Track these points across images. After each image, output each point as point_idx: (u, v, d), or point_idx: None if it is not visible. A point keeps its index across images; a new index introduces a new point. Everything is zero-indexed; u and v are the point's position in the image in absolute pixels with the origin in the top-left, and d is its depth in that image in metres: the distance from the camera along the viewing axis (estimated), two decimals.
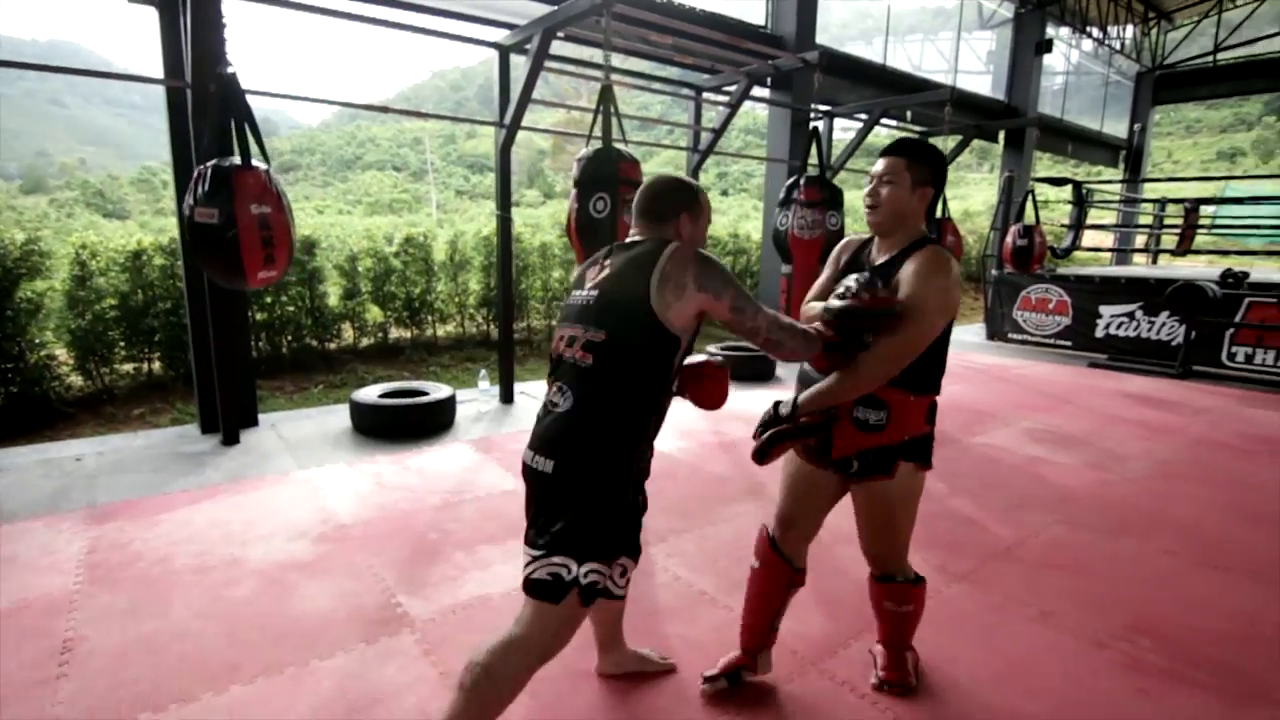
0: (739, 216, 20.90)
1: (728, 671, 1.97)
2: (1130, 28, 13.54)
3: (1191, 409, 5.51)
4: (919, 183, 1.67)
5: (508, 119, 4.71)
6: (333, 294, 6.89)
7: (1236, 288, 7.07)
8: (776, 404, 1.74)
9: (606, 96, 3.89)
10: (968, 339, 9.42)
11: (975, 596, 2.57)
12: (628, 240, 1.64)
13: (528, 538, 1.53)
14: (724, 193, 36.12)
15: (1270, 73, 12.60)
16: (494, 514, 3.23)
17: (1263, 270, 8.93)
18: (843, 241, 1.92)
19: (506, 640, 1.44)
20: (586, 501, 1.47)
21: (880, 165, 1.70)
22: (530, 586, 1.47)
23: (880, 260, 1.73)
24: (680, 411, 5.17)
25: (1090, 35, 12.62)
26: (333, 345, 6.92)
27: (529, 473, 1.54)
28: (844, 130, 8.37)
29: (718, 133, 5.71)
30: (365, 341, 7.19)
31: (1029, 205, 7.43)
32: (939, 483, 3.76)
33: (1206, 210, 11.55)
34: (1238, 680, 2.08)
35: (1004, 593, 2.60)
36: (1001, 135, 10.55)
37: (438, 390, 4.74)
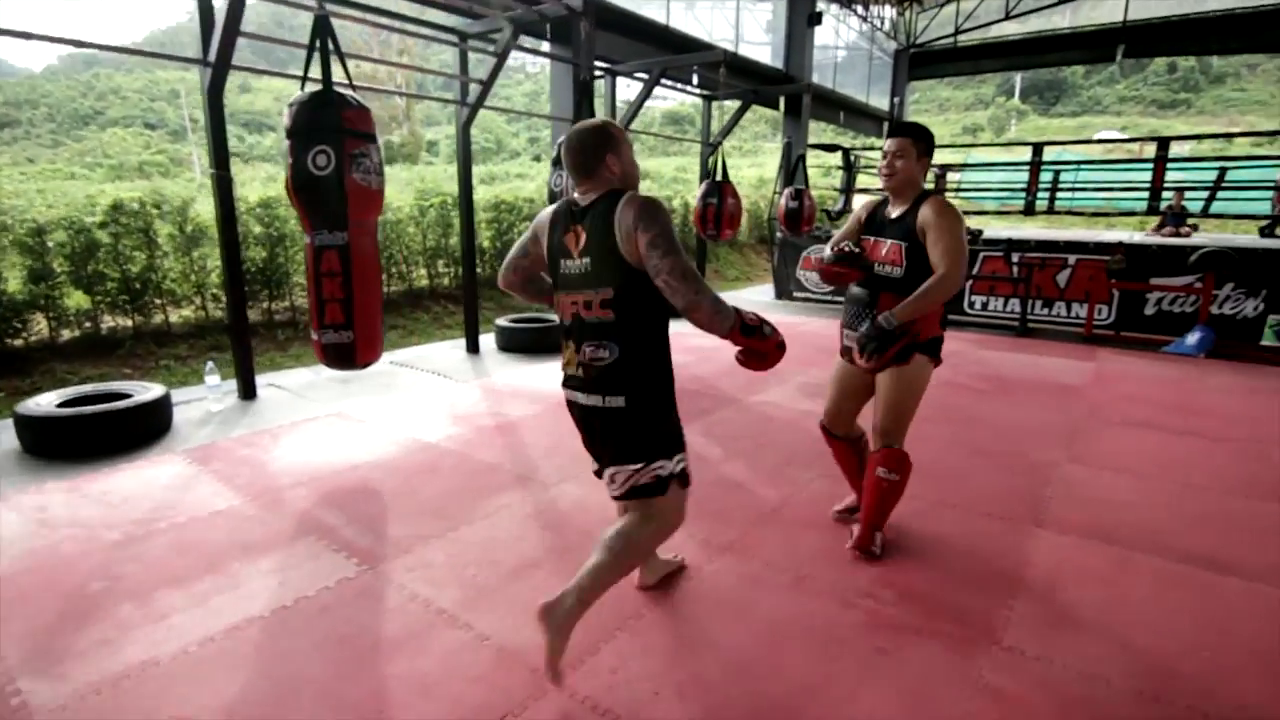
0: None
1: (853, 507, 2.82)
2: (888, 8, 14.85)
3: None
4: (921, 154, 2.37)
5: (211, 56, 3.87)
6: (12, 278, 5.46)
7: (973, 243, 7.99)
8: (878, 319, 2.31)
9: (322, 29, 3.26)
10: (758, 298, 9.88)
11: (735, 568, 2.48)
12: (583, 201, 1.80)
13: (606, 462, 1.92)
14: (536, 158, 35.17)
15: (1000, 54, 14.52)
16: (191, 546, 2.60)
17: (995, 228, 10.28)
18: (864, 200, 2.59)
19: (638, 523, 1.89)
20: (659, 417, 1.87)
21: (892, 144, 2.37)
22: (638, 491, 1.87)
23: (896, 214, 2.40)
24: (457, 394, 4.83)
25: (855, 12, 13.64)
26: (19, 342, 5.51)
27: (594, 412, 1.85)
28: (629, 89, 8.21)
29: (486, 84, 5.20)
30: (67, 334, 5.82)
31: (799, 170, 7.80)
32: (715, 447, 3.72)
33: (953, 176, 13.20)
34: (970, 626, 2.14)
35: (764, 560, 2.54)
36: (782, 104, 11.04)
37: (144, 391, 3.86)
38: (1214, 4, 12.37)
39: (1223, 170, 10.81)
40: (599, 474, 1.99)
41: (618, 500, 1.94)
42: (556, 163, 4.63)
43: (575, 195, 1.84)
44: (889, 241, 2.40)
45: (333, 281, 3.42)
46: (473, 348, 5.93)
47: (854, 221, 2.57)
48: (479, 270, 8.58)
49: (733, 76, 8.05)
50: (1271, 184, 10.15)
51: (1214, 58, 43.40)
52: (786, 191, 7.89)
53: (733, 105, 8.05)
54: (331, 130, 3.18)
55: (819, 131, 14.26)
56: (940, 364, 2.46)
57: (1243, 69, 44.15)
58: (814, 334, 7.05)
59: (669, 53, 7.55)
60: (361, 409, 4.30)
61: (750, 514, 2.91)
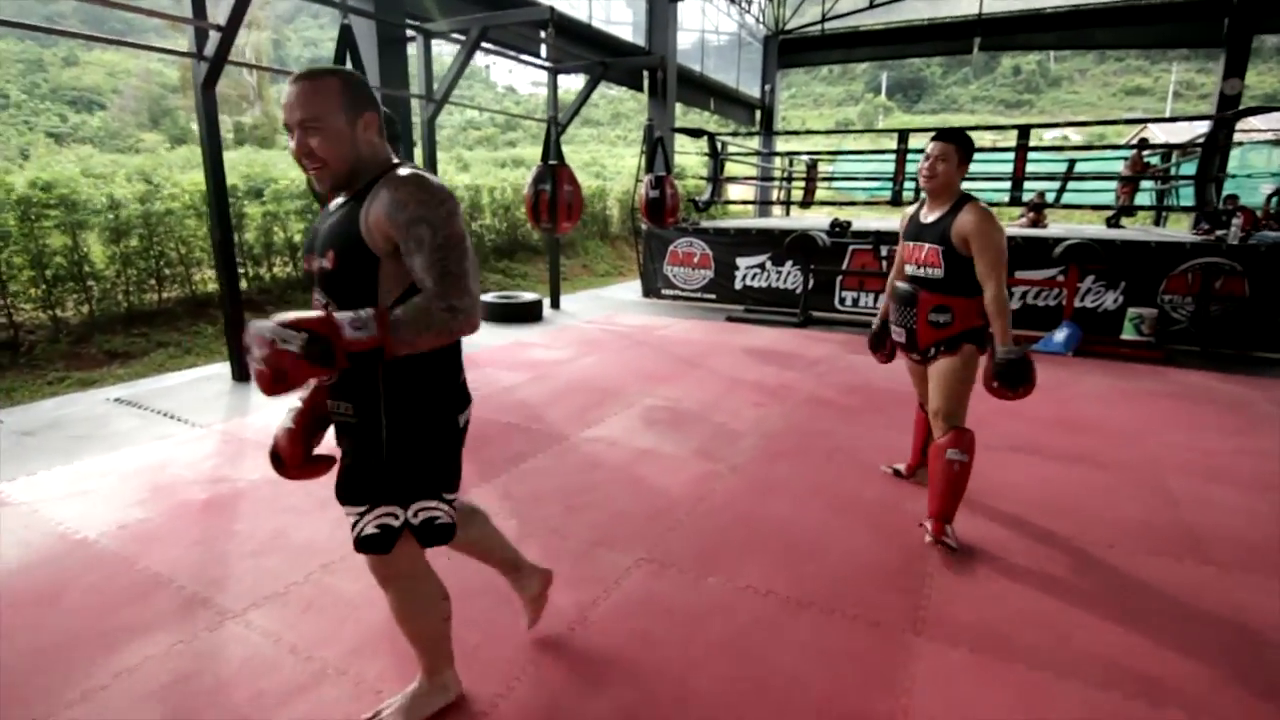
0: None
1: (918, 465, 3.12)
2: None
3: (806, 361, 5.46)
4: (961, 160, 2.48)
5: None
6: None
7: (842, 236, 7.49)
8: (998, 355, 2.40)
9: None
10: (625, 296, 9.04)
11: None
12: None
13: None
14: (448, 148, 32.54)
15: (866, 43, 14.45)
16: None
17: (864, 220, 9.97)
18: (903, 213, 2.80)
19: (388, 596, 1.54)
20: (402, 443, 1.43)
21: (936, 148, 2.48)
22: (364, 544, 1.45)
23: (932, 218, 2.54)
24: (180, 449, 3.35)
25: None
26: None
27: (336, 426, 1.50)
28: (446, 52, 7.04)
29: (225, 31, 3.93)
30: None
31: (659, 155, 6.98)
32: (511, 517, 2.75)
33: (825, 168, 12.99)
34: None
35: None
36: (646, 85, 10.22)
37: None
38: (1056, 1, 12.85)
39: (1072, 162, 11.12)
40: None
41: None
42: None
43: None
44: (927, 245, 2.53)
45: None
46: (241, 374, 4.64)
47: (901, 237, 2.73)
48: (245, 271, 7.15)
49: (578, 47, 7.11)
50: (1113, 175, 10.54)
51: (1052, 63, 47.51)
52: (647, 179, 7.06)
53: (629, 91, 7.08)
54: None
55: (691, 118, 13.62)
56: (985, 352, 2.55)
57: (1075, 74, 48.56)
58: (674, 340, 6.24)
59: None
60: (25, 484, 3.00)
61: (520, 646, 1.97)
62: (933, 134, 2.55)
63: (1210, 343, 6.10)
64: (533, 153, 27.49)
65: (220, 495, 2.93)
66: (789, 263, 7.84)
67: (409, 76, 5.81)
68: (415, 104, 5.88)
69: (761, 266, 8.08)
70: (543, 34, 4.94)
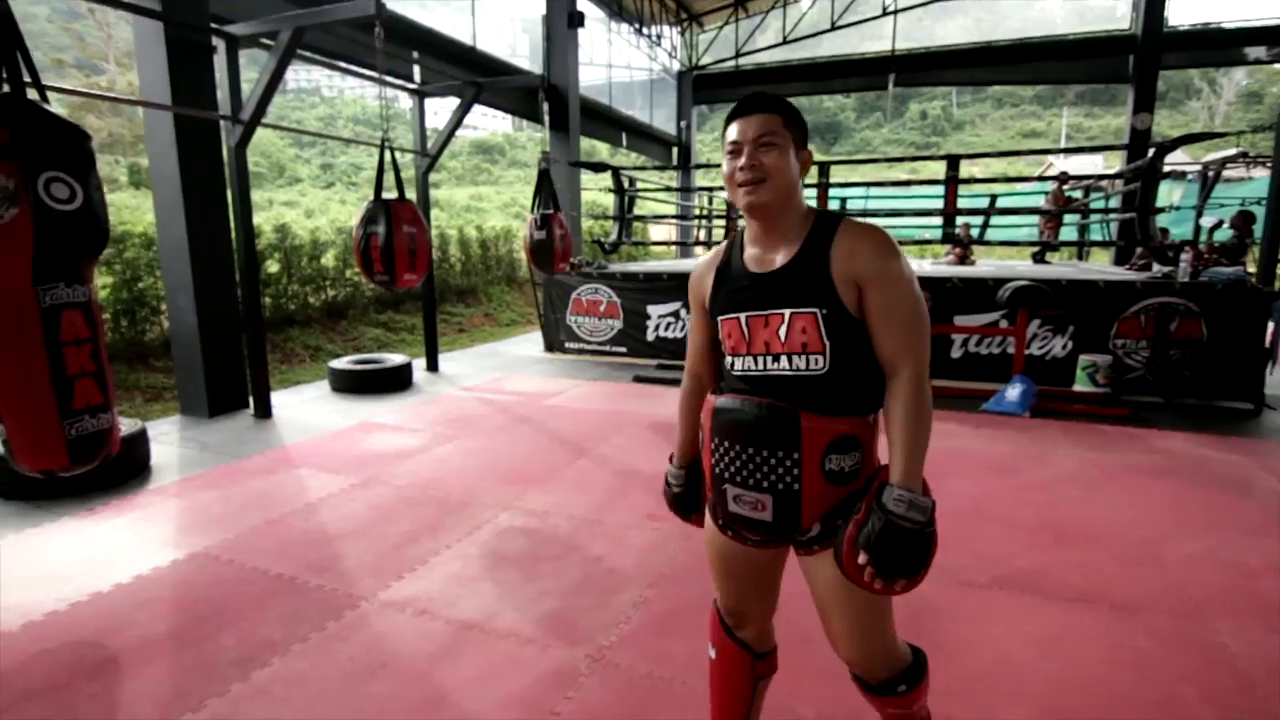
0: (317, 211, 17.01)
1: None
2: (668, 27, 13.87)
3: None
4: (798, 145, 1.29)
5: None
6: None
7: None
8: (885, 504, 1.20)
9: None
10: (525, 351, 7.87)
11: None
12: None
13: None
14: (329, 185, 30.53)
15: (782, 79, 14.05)
16: None
17: None
18: (696, 267, 1.45)
19: None
20: None
21: (751, 126, 1.26)
22: None
23: (784, 259, 1.27)
24: None
25: (635, 29, 12.39)
26: None
27: None
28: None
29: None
30: None
31: (544, 191, 5.92)
32: None
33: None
34: None
35: None
36: (546, 116, 9.26)
37: None
38: (961, 39, 12.87)
39: (993, 197, 10.78)
40: None
41: None
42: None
43: None
44: (787, 313, 1.24)
45: None
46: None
47: (698, 308, 1.43)
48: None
49: (450, 66, 6.06)
50: (1036, 209, 10.22)
51: (955, 108, 50.10)
52: (530, 219, 5.97)
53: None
54: None
55: (598, 155, 12.76)
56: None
57: (977, 118, 51.36)
58: (568, 413, 5.08)
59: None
60: None
61: None
62: (737, 103, 1.29)
63: (1172, 393, 5.41)
64: (451, 194, 26.25)
65: None
66: None
67: (215, 93, 4.58)
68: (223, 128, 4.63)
69: (675, 315, 7.08)
70: (376, 41, 3.81)
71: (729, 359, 1.33)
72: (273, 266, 8.27)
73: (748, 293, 1.28)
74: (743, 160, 1.22)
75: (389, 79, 4.48)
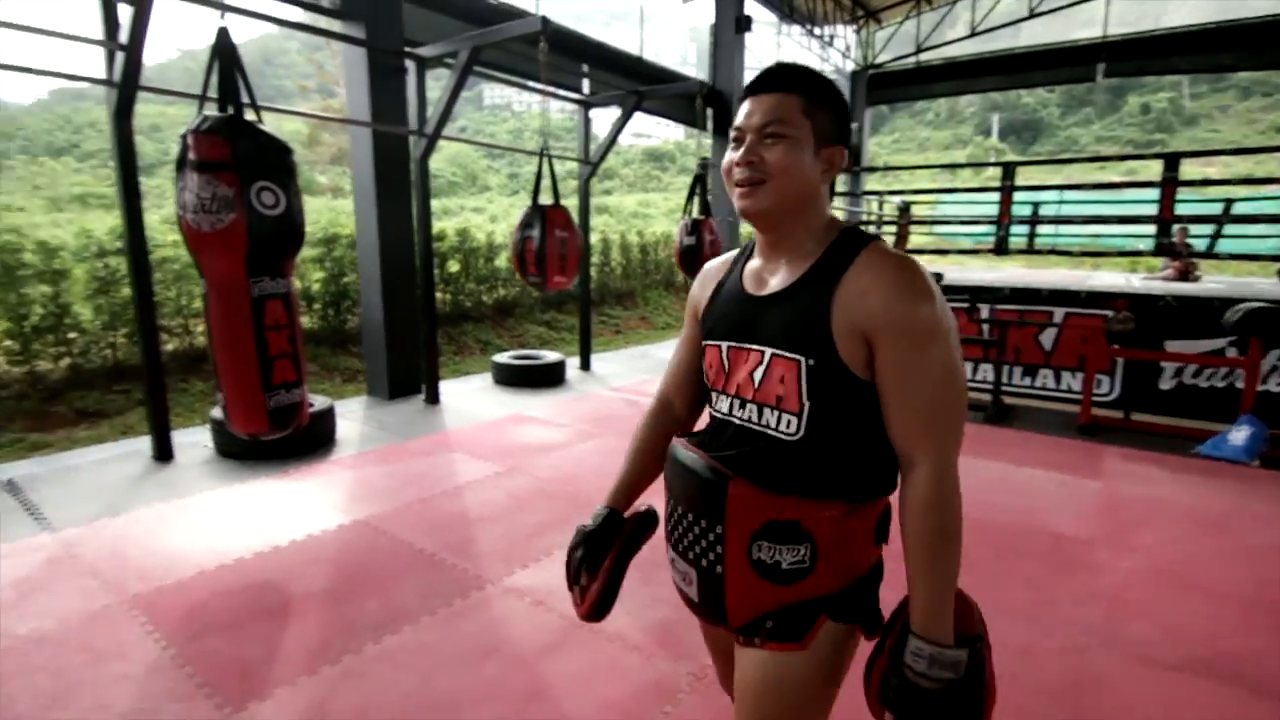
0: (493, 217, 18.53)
1: None
2: (841, 26, 13.34)
3: None
4: (826, 137, 0.97)
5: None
6: None
7: None
8: (905, 660, 0.92)
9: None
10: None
11: None
12: None
13: None
14: (515, 192, 33.27)
15: (968, 74, 12.96)
16: None
17: (961, 271, 8.44)
18: (703, 271, 1.17)
19: None
20: None
21: (758, 109, 0.97)
22: None
23: (779, 283, 1.01)
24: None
25: (807, 29, 12.08)
26: None
27: None
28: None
29: (129, 50, 3.26)
30: None
31: (696, 195, 5.92)
32: None
33: (925, 211, 11.48)
34: None
35: None
36: (710, 122, 9.30)
37: None
38: (1193, 20, 11.00)
39: (1229, 201, 9.13)
40: None
41: None
42: (179, 167, 2.74)
43: None
44: (767, 352, 0.99)
45: None
46: (162, 453, 3.89)
47: (690, 315, 1.18)
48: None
49: (612, 76, 6.27)
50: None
51: (1187, 100, 43.06)
52: (681, 224, 6.01)
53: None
54: None
55: None
56: (871, 635, 1.03)
57: (1215, 110, 43.70)
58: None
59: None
60: None
61: None
62: (750, 82, 1.01)
63: None
64: (623, 201, 27.31)
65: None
66: None
67: (407, 111, 5.11)
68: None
69: None
70: (540, 55, 4.04)
71: (710, 394, 1.10)
72: (453, 266, 9.07)
73: (734, 317, 1.04)
74: (740, 153, 0.98)
75: (555, 90, 4.73)
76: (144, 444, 4.07)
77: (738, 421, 1.02)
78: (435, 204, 5.81)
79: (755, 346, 1.00)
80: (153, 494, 3.41)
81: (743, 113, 0.99)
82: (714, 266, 1.15)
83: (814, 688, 1.00)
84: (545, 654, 2.15)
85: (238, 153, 2.60)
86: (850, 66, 13.81)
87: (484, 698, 1.95)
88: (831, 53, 13.15)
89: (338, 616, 2.35)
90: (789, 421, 0.96)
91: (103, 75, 3.51)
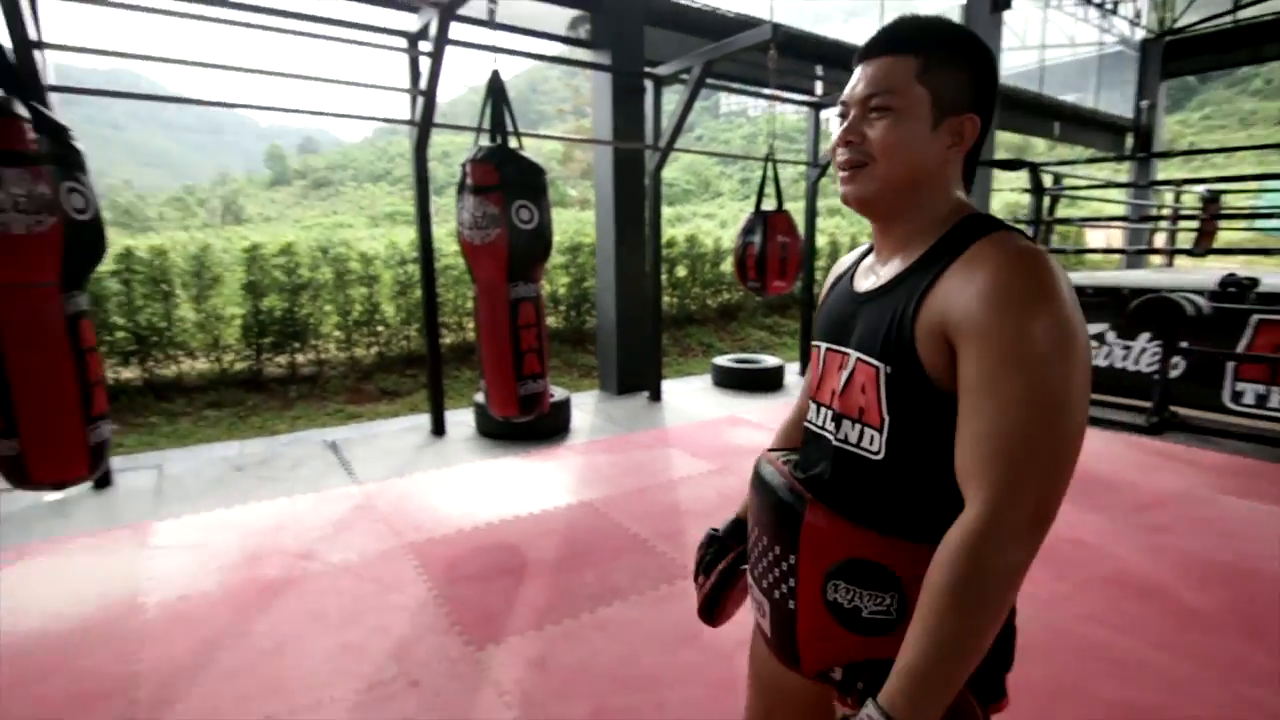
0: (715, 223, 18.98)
1: None
2: None
3: (1138, 497, 3.52)
4: (952, 104, 0.79)
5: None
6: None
7: (1240, 299, 5.00)
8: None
9: (494, 84, 2.22)
10: None
11: None
12: None
13: None
14: (746, 198, 34.02)
15: None
16: None
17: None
18: (835, 265, 1.02)
19: None
20: None
21: (863, 78, 0.81)
22: None
23: (874, 281, 0.87)
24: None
25: None
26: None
27: None
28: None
29: (427, 94, 3.97)
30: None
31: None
32: (506, 711, 1.95)
33: (1239, 202, 9.32)
34: None
35: None
36: None
37: None
38: None
39: None
40: None
41: None
42: (459, 189, 3.26)
43: None
44: (853, 356, 0.87)
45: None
46: (438, 428, 4.67)
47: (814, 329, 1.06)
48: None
49: (841, 72, 6.05)
50: None
51: None
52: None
53: None
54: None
55: (1026, 150, 11.17)
56: (1004, 702, 0.84)
57: None
58: None
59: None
60: (168, 525, 3.20)
61: None
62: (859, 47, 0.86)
63: None
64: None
65: (267, 580, 2.69)
66: (1143, 336, 5.54)
67: (644, 127, 5.49)
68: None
69: (1100, 339, 5.87)
70: (770, 62, 4.10)
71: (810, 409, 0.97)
72: (681, 271, 9.48)
73: (835, 315, 0.93)
74: (840, 132, 0.86)
75: (785, 95, 4.74)
76: (425, 420, 4.91)
77: (825, 435, 0.91)
78: (668, 211, 6.19)
79: (845, 349, 0.89)
80: (429, 461, 4.11)
81: (849, 83, 0.86)
82: (846, 260, 1.02)
83: None
84: (740, 647, 2.21)
85: (503, 177, 3.05)
86: (1140, 35, 11.72)
87: (680, 679, 2.07)
88: (1116, 22, 11.28)
89: (561, 584, 2.64)
90: (871, 438, 0.84)
91: (407, 116, 4.32)
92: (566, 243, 8.22)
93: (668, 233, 9.36)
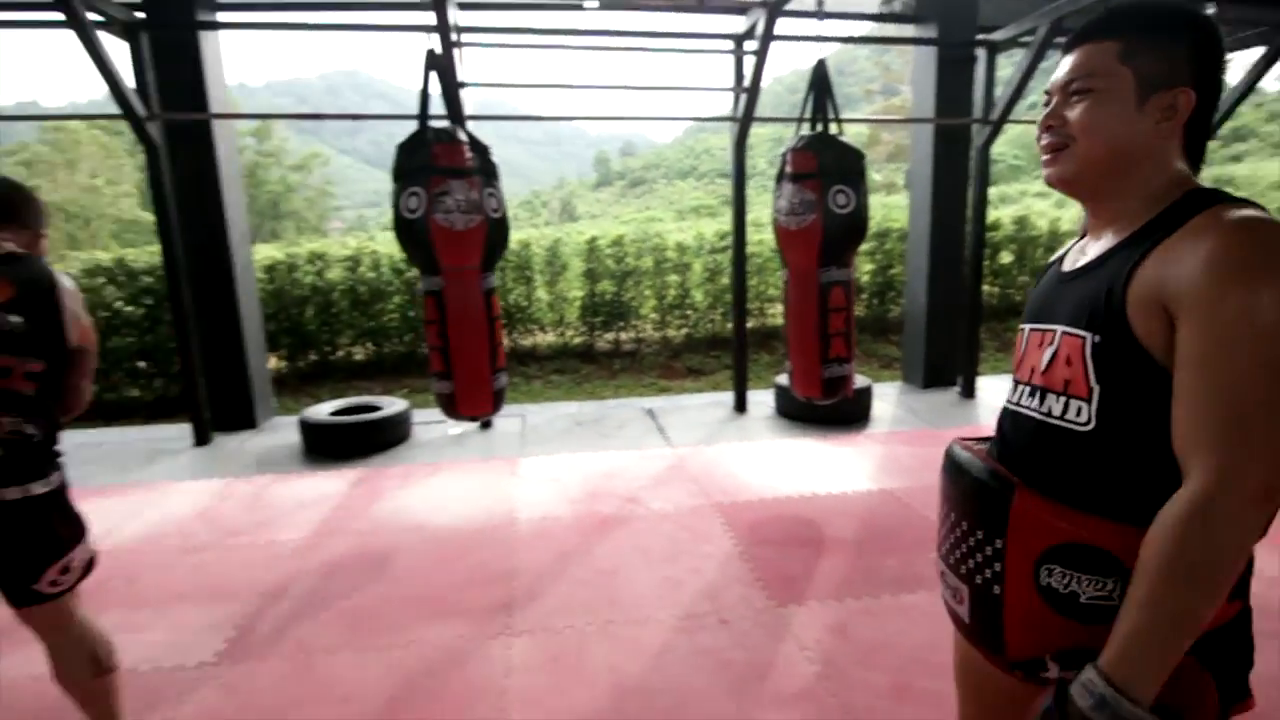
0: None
1: None
2: None
3: None
4: (1158, 81, 0.82)
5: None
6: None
7: None
8: (1071, 694, 0.75)
9: (818, 73, 3.03)
10: None
11: None
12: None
13: (37, 566, 1.47)
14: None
15: None
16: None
17: None
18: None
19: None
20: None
21: (1066, 65, 0.89)
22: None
23: (1084, 259, 0.89)
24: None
25: None
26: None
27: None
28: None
29: (750, 91, 4.21)
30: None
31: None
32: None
33: None
34: None
35: None
36: None
37: (390, 405, 4.43)
38: None
39: None
40: None
41: (46, 603, 1.50)
42: (777, 178, 3.41)
43: None
44: (1058, 330, 0.88)
45: (430, 329, 3.19)
46: (740, 406, 4.97)
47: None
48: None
49: (1249, 9, 4.75)
50: None
51: None
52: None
53: None
54: (420, 170, 2.94)
55: None
56: (1250, 702, 0.82)
57: None
58: None
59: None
60: (530, 462, 3.98)
61: None
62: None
63: None
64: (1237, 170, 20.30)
65: (605, 517, 3.18)
66: None
67: (971, 100, 5.06)
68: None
69: None
70: None
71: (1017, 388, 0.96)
72: (1005, 258, 8.49)
73: (1043, 296, 0.94)
74: (1042, 117, 0.89)
75: None
76: (726, 398, 5.26)
77: (1025, 411, 0.90)
78: (992, 191, 5.63)
79: (1050, 327, 0.88)
80: (732, 434, 4.42)
81: (1054, 74, 0.89)
82: (1060, 250, 1.02)
83: None
84: None
85: (822, 163, 3.14)
86: None
87: (929, 690, 1.98)
88: None
89: (860, 563, 2.68)
90: (1079, 409, 0.81)
91: (717, 114, 4.63)
92: (872, 229, 7.94)
93: (991, 215, 8.44)
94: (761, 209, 7.82)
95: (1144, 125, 0.81)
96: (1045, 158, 0.90)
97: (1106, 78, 0.82)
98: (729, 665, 2.10)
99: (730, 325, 6.89)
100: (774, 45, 4.06)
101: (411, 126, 3.05)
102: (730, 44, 4.56)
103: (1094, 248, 0.88)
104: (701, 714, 1.90)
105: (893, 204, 15.75)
